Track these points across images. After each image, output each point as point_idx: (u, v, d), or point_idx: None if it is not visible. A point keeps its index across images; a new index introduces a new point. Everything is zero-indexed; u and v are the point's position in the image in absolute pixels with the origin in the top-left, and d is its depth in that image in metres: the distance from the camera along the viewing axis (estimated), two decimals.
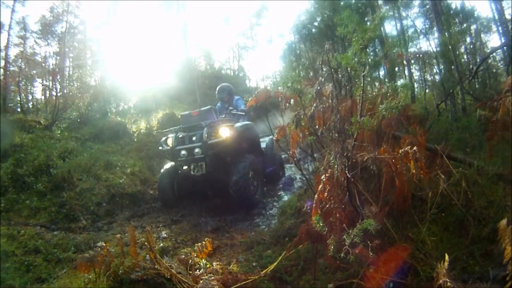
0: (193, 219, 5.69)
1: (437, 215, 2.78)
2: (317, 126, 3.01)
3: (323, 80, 2.87)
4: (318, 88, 2.78)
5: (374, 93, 2.76)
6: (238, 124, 6.10)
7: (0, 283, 3.19)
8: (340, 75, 3.03)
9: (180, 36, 29.19)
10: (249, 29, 38.06)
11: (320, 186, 2.46)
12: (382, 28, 21.99)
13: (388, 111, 2.38)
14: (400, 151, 2.28)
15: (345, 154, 2.44)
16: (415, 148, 2.26)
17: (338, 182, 2.50)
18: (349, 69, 2.85)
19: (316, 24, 13.72)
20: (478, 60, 10.22)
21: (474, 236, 2.55)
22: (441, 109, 9.50)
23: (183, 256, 3.23)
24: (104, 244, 3.00)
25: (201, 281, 2.57)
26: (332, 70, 2.85)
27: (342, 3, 12.59)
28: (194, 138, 6.04)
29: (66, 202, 5.97)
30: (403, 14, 22.99)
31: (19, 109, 16.85)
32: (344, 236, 2.15)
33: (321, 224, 2.31)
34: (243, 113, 6.89)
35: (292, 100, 3.43)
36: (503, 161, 3.66)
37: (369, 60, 2.39)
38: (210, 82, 21.61)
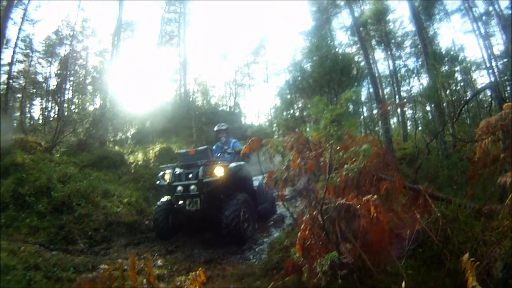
0: (187, 250, 5.89)
1: (415, 250, 3.01)
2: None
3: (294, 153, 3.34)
4: (287, 164, 3.21)
5: (342, 154, 3.10)
6: (232, 164, 6.44)
7: None
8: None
9: (179, 69, 29.73)
10: (246, 66, 38.63)
11: (302, 225, 2.74)
12: (375, 68, 22.67)
13: (349, 170, 2.72)
14: (363, 199, 2.57)
15: (313, 204, 2.76)
16: (375, 196, 2.55)
17: (317, 223, 2.78)
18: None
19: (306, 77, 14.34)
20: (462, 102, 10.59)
21: (450, 269, 2.74)
22: (432, 147, 9.70)
23: (178, 284, 3.43)
24: (107, 267, 3.20)
25: None
26: (299, 149, 3.29)
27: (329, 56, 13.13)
28: (190, 176, 6.34)
29: (65, 225, 6.20)
30: (396, 54, 23.74)
31: (15, 125, 16.91)
32: (315, 265, 2.41)
33: (297, 255, 2.59)
34: (238, 153, 7.14)
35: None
36: (489, 198, 3.93)
37: (336, 132, 2.75)
38: (207, 119, 21.88)
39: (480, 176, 4.00)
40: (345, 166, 2.88)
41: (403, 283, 2.20)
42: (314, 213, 2.79)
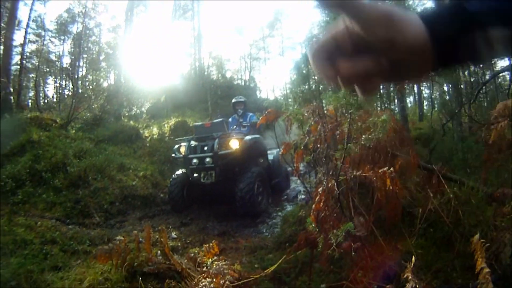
0: (201, 223, 6.00)
1: (426, 230, 3.02)
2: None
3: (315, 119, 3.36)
4: (309, 129, 3.23)
5: (360, 124, 3.11)
6: (247, 137, 6.47)
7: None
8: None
9: (194, 43, 29.63)
10: (261, 40, 38.36)
11: (317, 197, 2.77)
12: None
13: (367, 141, 2.73)
14: (379, 171, 2.57)
15: (331, 173, 2.78)
16: (391, 169, 2.55)
17: (332, 195, 2.80)
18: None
19: None
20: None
21: (459, 251, 2.74)
22: (447, 128, 9.59)
23: (192, 255, 3.50)
24: (122, 238, 3.28)
25: (214, 266, 2.84)
26: (320, 115, 3.29)
27: None
28: (205, 148, 6.37)
29: (81, 199, 6.32)
30: None
31: (30, 105, 17.10)
32: (330, 236, 2.45)
33: (313, 225, 2.63)
34: (254, 126, 7.21)
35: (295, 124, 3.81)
36: (502, 183, 3.88)
37: (356, 101, 2.74)
38: (222, 92, 21.95)
39: (494, 161, 3.95)
40: (363, 136, 2.90)
41: (413, 258, 2.22)
42: (330, 184, 2.81)
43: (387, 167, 2.61)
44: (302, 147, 3.52)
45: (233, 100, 8.04)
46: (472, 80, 11.89)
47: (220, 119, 6.97)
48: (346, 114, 3.02)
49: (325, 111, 3.78)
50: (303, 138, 3.51)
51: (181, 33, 32.59)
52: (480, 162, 5.29)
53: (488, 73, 16.94)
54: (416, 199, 3.44)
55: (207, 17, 52.27)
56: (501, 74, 12.64)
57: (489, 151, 3.90)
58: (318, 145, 3.32)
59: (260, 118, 4.21)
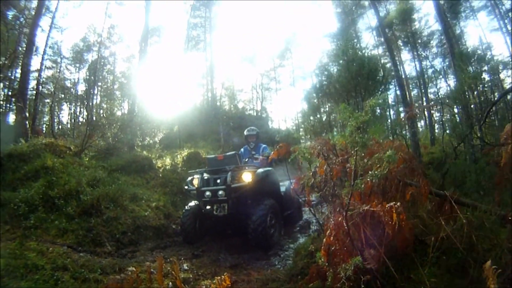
0: (213, 255, 5.97)
1: (439, 258, 2.98)
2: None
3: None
4: (314, 170, 3.28)
5: (366, 161, 3.14)
6: (260, 170, 6.49)
7: None
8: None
9: (206, 74, 30.06)
10: (273, 70, 38.84)
11: (328, 231, 2.78)
12: (402, 69, 22.37)
13: (373, 177, 2.76)
14: (387, 205, 2.58)
15: (338, 210, 2.80)
16: (398, 203, 2.55)
17: (342, 229, 2.81)
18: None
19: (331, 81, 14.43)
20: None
21: (473, 277, 2.68)
22: (459, 151, 9.51)
23: (204, 287, 3.49)
24: (134, 269, 3.28)
25: None
26: (325, 156, 3.36)
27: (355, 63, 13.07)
28: (218, 181, 6.42)
29: (93, 228, 6.33)
30: (422, 54, 23.33)
31: (44, 130, 17.31)
32: (340, 270, 2.44)
33: (322, 260, 2.63)
34: (266, 158, 7.24)
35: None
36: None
37: (361, 139, 2.79)
38: (234, 123, 22.18)
39: (507, 182, 3.92)
40: (370, 172, 2.93)
41: None
42: (339, 219, 2.82)
43: (397, 200, 2.62)
44: (310, 186, 3.57)
45: (246, 133, 8.11)
46: (481, 100, 11.80)
47: (233, 152, 7.01)
48: (352, 152, 3.05)
49: (336, 143, 3.83)
50: (310, 178, 3.56)
51: (193, 63, 33.27)
52: (493, 183, 5.24)
53: (497, 92, 16.89)
54: (429, 227, 3.40)
55: (219, 47, 53.30)
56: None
57: (501, 173, 3.85)
58: (325, 184, 3.36)
59: (272, 152, 4.28)
